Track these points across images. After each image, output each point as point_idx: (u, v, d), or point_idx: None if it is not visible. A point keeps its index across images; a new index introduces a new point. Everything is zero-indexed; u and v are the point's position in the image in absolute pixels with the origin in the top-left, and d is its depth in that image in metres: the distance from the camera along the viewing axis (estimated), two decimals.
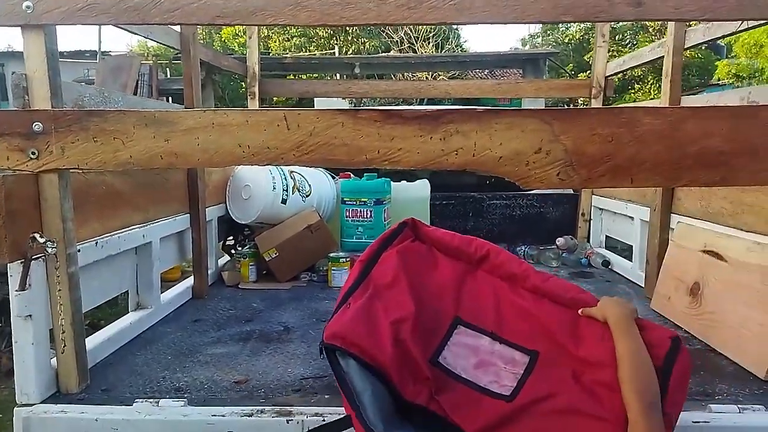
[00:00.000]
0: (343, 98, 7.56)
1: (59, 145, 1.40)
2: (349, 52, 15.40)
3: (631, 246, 2.99)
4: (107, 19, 1.41)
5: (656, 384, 1.11)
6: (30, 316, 1.48)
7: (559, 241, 3.40)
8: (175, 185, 2.48)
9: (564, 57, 15.79)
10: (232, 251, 3.43)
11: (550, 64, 10.81)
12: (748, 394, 1.59)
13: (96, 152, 1.41)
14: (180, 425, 1.44)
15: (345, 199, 3.21)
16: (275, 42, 16.65)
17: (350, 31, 15.48)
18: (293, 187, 3.06)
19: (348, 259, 2.79)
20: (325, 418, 1.39)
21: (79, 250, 1.62)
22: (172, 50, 3.15)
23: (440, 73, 12.68)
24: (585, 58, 15.34)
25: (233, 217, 3.09)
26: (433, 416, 1.18)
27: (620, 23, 12.36)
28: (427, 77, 12.16)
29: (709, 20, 2.05)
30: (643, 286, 2.64)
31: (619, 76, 3.98)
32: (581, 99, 4.30)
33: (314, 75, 10.19)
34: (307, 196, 3.13)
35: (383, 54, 14.41)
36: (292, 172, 3.12)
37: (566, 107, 6.19)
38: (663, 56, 2.52)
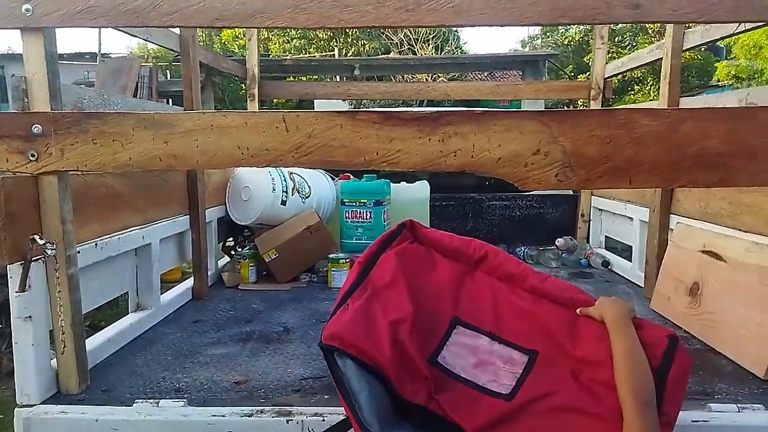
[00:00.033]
0: (343, 100, 7.56)
1: (59, 147, 1.41)
2: (348, 54, 15.40)
3: (631, 246, 2.99)
4: (106, 21, 1.42)
5: (651, 383, 1.11)
6: (30, 317, 1.49)
7: (559, 241, 3.40)
8: (174, 187, 2.48)
9: (563, 59, 15.78)
10: (232, 252, 3.44)
11: (549, 65, 10.79)
12: (748, 393, 1.60)
13: (95, 154, 1.42)
14: (180, 425, 1.44)
15: (344, 200, 3.21)
16: (275, 44, 16.64)
17: (350, 32, 15.47)
18: (293, 189, 3.06)
19: (347, 260, 2.79)
20: (325, 418, 1.39)
21: (78, 252, 1.62)
22: (172, 52, 3.15)
23: (440, 74, 12.67)
24: (584, 59, 15.34)
25: (233, 219, 3.09)
26: (432, 415, 1.18)
27: (620, 25, 12.37)
28: (426, 79, 12.16)
29: (706, 22, 2.05)
30: (642, 286, 2.64)
31: (618, 77, 3.98)
32: (580, 100, 4.30)
33: (314, 77, 10.18)
34: (307, 197, 3.14)
35: (383, 56, 14.39)
36: (291, 173, 3.12)
37: (565, 109, 6.20)
38: (662, 58, 2.53)
